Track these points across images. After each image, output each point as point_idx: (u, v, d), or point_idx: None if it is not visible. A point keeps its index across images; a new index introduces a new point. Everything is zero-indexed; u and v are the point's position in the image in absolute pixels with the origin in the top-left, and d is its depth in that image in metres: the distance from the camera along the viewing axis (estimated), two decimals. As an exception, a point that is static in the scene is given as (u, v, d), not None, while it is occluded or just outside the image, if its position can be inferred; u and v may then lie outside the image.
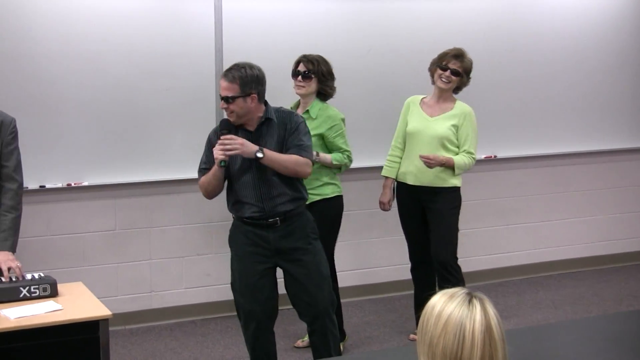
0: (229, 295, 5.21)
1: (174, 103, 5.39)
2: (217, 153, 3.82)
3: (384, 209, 5.19)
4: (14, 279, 3.43)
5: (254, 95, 3.86)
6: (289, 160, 3.92)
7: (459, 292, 2.08)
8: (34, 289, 3.36)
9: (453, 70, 4.92)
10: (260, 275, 4.02)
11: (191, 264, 5.63)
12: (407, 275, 5.33)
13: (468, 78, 5.01)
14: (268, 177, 3.92)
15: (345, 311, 5.31)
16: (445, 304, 2.05)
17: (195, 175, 4.20)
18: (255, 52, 5.14)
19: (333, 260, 4.91)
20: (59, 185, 5.16)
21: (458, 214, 5.05)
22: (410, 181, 5.02)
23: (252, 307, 4.05)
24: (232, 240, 4.13)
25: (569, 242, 6.75)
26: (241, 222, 4.03)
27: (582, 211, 6.79)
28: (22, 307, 3.26)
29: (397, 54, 5.90)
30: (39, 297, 3.36)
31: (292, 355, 5.08)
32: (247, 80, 3.83)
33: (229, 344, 5.25)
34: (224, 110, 4.01)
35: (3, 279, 3.43)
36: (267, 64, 5.32)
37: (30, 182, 4.91)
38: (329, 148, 4.88)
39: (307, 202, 4.21)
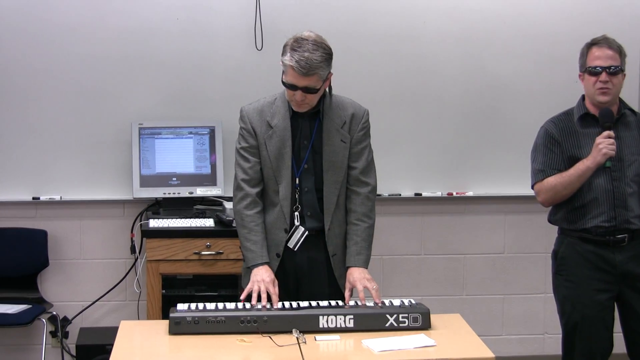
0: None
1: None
2: (609, 148, 3.50)
3: None
4: (368, 304, 3.29)
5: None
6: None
7: None
8: (402, 317, 3.20)
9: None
10: (601, 307, 3.71)
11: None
12: None
13: None
14: (622, 185, 3.67)
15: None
16: None
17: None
18: None
19: None
20: (438, 193, 4.99)
21: None
22: None
23: (590, 347, 3.71)
24: (565, 263, 3.77)
25: None
26: (577, 239, 3.72)
27: None
28: (387, 338, 3.10)
29: None
30: (408, 329, 3.21)
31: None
32: None
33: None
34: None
35: (367, 303, 3.28)
36: None
37: (405, 190, 4.95)
38: None
39: None
